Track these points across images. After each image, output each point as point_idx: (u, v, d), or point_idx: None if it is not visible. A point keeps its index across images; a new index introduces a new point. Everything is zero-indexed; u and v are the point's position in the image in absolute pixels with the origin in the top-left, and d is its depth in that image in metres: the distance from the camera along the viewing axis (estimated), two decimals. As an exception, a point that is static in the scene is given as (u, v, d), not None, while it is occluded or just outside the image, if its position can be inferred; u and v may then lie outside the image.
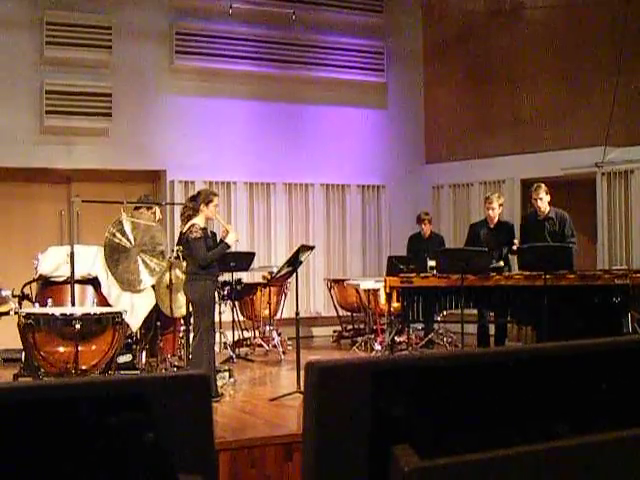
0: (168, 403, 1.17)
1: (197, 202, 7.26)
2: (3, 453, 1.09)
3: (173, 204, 10.76)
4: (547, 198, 8.99)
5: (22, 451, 1.10)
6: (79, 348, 6.85)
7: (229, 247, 7.36)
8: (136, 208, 8.42)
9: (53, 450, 1.12)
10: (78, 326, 6.82)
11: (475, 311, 9.45)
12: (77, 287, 7.71)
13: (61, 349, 6.94)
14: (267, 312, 10.29)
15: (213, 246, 7.36)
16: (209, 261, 7.09)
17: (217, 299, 8.31)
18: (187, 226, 7.19)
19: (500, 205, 9.40)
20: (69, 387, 1.16)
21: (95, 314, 7.13)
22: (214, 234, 8.53)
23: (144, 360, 8.18)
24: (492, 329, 9.46)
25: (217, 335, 8.27)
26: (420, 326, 10.60)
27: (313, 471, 1.16)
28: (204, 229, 7.22)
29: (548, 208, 9.01)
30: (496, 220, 9.38)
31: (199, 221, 7.19)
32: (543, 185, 9.05)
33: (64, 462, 1.13)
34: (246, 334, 10.49)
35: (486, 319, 9.34)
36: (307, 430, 1.17)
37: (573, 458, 1.25)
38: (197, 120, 11.47)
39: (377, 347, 9.97)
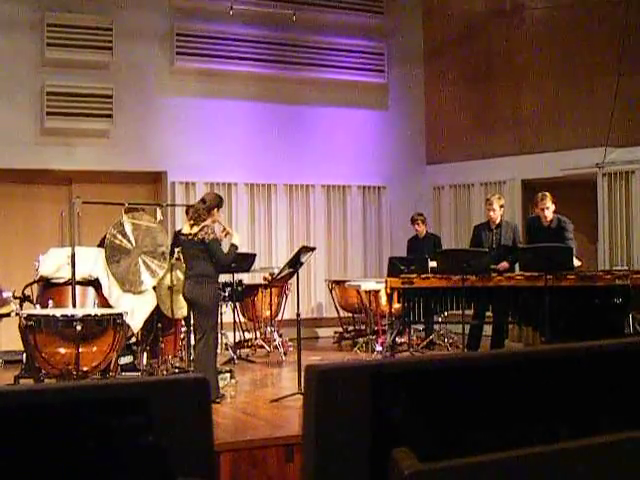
0: (168, 406, 1.17)
1: (209, 205, 7.26)
2: (5, 455, 1.09)
3: (174, 205, 10.76)
4: (552, 207, 9.01)
5: (23, 453, 1.10)
6: (80, 349, 6.84)
7: (237, 249, 7.41)
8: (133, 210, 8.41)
9: (53, 452, 1.12)
10: (79, 327, 6.82)
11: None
12: (78, 288, 7.71)
13: (62, 350, 6.93)
14: (268, 313, 10.29)
15: None
16: (228, 262, 7.19)
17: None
18: (199, 228, 7.18)
19: (501, 206, 9.42)
20: (69, 390, 1.16)
21: (96, 315, 7.12)
22: None
23: (145, 361, 8.17)
24: (489, 330, 9.45)
25: (219, 336, 8.29)
26: (421, 327, 10.60)
27: (313, 474, 1.16)
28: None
29: (552, 216, 9.03)
30: (498, 221, 9.40)
31: (209, 223, 7.20)
32: (549, 194, 9.04)
33: (64, 464, 1.13)
34: (247, 335, 10.49)
35: (482, 320, 9.33)
36: (307, 433, 1.17)
37: (573, 460, 1.25)
38: (198, 121, 11.47)
39: (378, 348, 9.95)
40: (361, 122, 12.58)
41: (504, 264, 9.05)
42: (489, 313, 9.27)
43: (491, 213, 9.39)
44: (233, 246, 7.30)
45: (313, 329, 11.94)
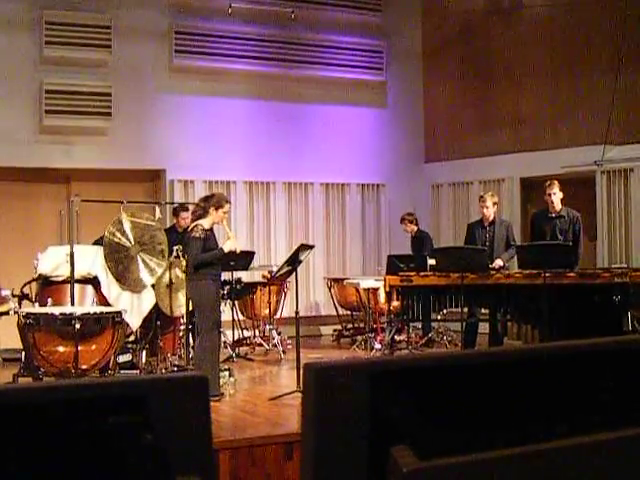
0: (166, 404, 1.17)
1: (208, 204, 7.23)
2: (2, 454, 1.09)
3: (173, 203, 10.75)
4: (560, 195, 8.95)
5: (20, 452, 1.10)
6: (79, 348, 6.84)
7: (223, 254, 7.26)
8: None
9: (51, 451, 1.12)
10: (78, 326, 6.82)
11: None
12: (77, 287, 7.71)
13: (61, 349, 6.93)
14: (267, 311, 10.30)
15: (214, 248, 7.32)
16: (198, 262, 7.03)
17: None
18: (191, 225, 7.20)
19: (494, 204, 9.40)
20: (67, 388, 1.16)
21: (95, 314, 7.13)
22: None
23: (144, 359, 8.18)
24: (487, 327, 9.45)
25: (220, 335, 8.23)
26: (420, 325, 10.60)
27: (311, 472, 1.16)
28: (207, 231, 7.17)
29: (560, 205, 8.99)
30: (491, 218, 9.39)
31: (205, 223, 7.15)
32: (556, 182, 9.03)
33: (62, 463, 1.13)
34: (246, 333, 10.49)
35: (477, 318, 9.32)
36: (305, 431, 1.17)
37: (572, 458, 1.25)
38: (196, 119, 11.47)
39: (377, 346, 9.96)
40: (360, 120, 12.58)
41: (498, 262, 9.05)
42: (486, 310, 9.27)
43: (484, 210, 9.37)
44: (219, 249, 7.20)
45: (312, 327, 11.93)
